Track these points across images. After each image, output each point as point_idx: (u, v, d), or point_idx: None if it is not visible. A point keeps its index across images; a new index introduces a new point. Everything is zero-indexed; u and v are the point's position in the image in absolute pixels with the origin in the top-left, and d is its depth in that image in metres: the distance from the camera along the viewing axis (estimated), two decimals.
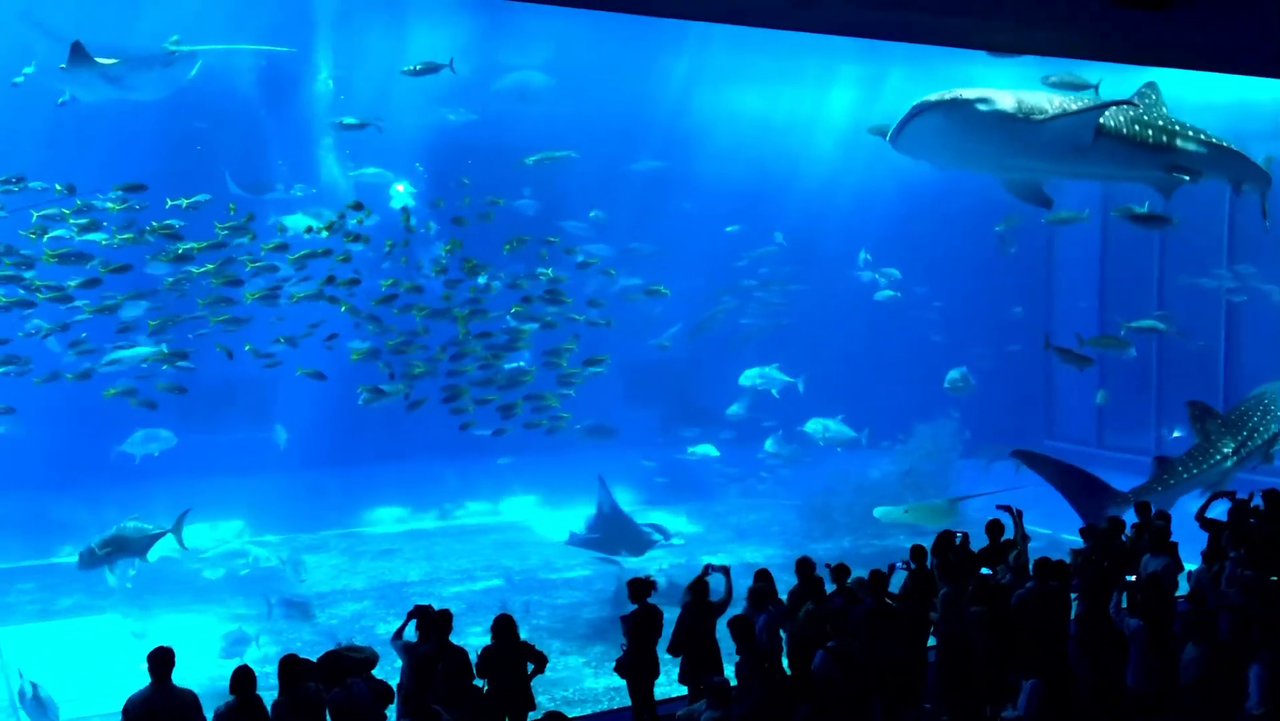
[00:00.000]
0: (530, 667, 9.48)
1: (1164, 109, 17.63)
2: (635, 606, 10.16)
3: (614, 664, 10.39)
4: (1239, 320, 24.68)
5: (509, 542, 21.78)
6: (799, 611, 10.25)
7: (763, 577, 10.52)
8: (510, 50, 23.88)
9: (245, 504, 21.62)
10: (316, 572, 19.63)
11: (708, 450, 23.67)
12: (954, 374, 22.99)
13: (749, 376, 24.43)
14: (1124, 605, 10.10)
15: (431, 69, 19.41)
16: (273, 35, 21.58)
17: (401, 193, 21.59)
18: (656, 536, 19.42)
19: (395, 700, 8.92)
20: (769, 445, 23.63)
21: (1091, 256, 27.51)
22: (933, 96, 15.81)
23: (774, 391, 24.43)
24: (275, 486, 21.68)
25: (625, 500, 24.23)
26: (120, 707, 8.19)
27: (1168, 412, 25.85)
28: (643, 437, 25.36)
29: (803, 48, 19.64)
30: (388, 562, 20.48)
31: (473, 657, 9.42)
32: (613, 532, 19.49)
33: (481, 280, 18.61)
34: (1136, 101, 16.99)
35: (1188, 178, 17.38)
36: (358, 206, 17.89)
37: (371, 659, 9.08)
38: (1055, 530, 18.89)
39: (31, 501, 19.51)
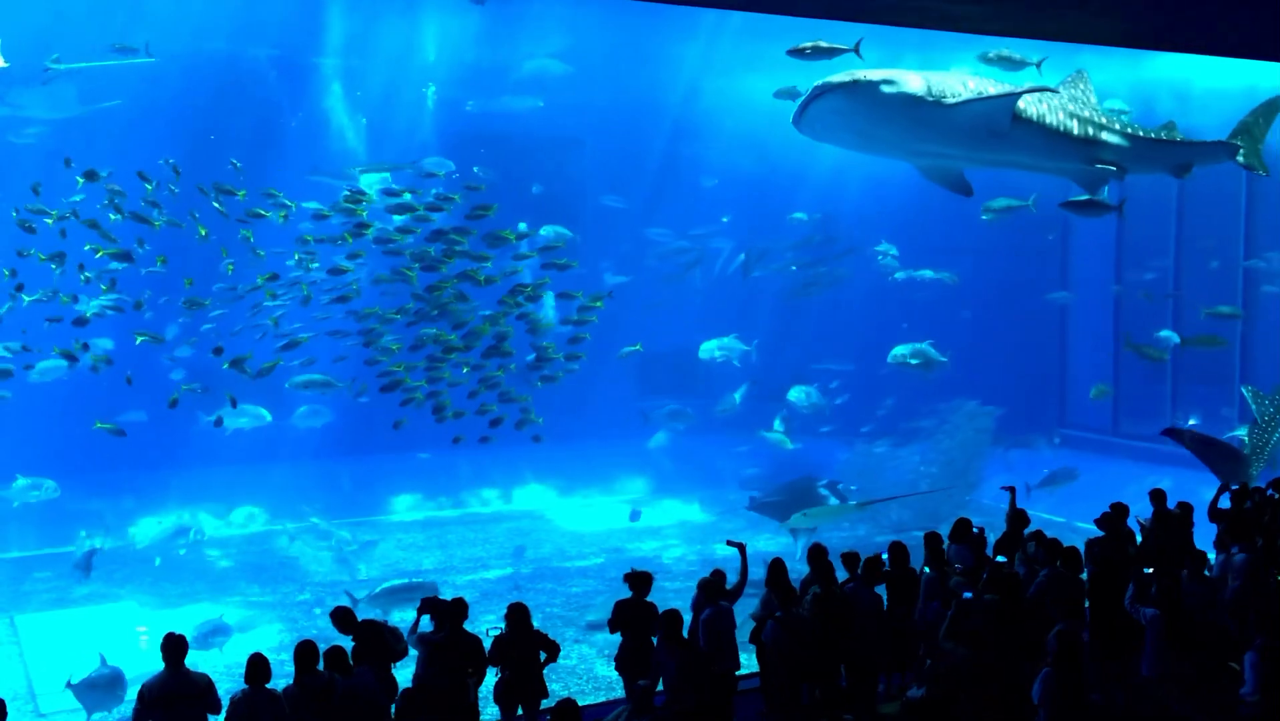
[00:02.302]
0: (543, 656, 9.50)
1: (1093, 99, 16.96)
2: (629, 597, 10.14)
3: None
4: (1254, 306, 24.49)
5: (523, 531, 21.81)
6: (806, 596, 10.35)
7: (777, 568, 10.51)
8: (526, 39, 23.85)
9: (260, 492, 21.70)
10: (330, 562, 19.71)
11: (782, 440, 23.24)
12: (902, 350, 22.10)
13: (707, 349, 24.31)
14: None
15: (128, 50, 18.82)
16: (284, 24, 21.62)
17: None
18: (833, 500, 19.34)
19: (398, 693, 9.01)
20: (777, 424, 23.57)
21: (1108, 241, 27.32)
22: (834, 77, 15.06)
23: (735, 361, 24.32)
24: (289, 475, 21.76)
25: (637, 488, 24.39)
26: (135, 693, 8.27)
27: (1183, 400, 25.75)
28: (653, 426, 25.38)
29: (814, 36, 19.53)
30: (402, 551, 20.52)
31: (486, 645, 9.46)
32: (793, 496, 19.62)
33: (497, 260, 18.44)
34: (1057, 89, 16.29)
35: (1114, 169, 16.67)
36: (355, 199, 17.74)
37: (403, 651, 9.17)
38: (1070, 517, 18.86)
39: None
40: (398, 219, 18.38)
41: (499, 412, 18.39)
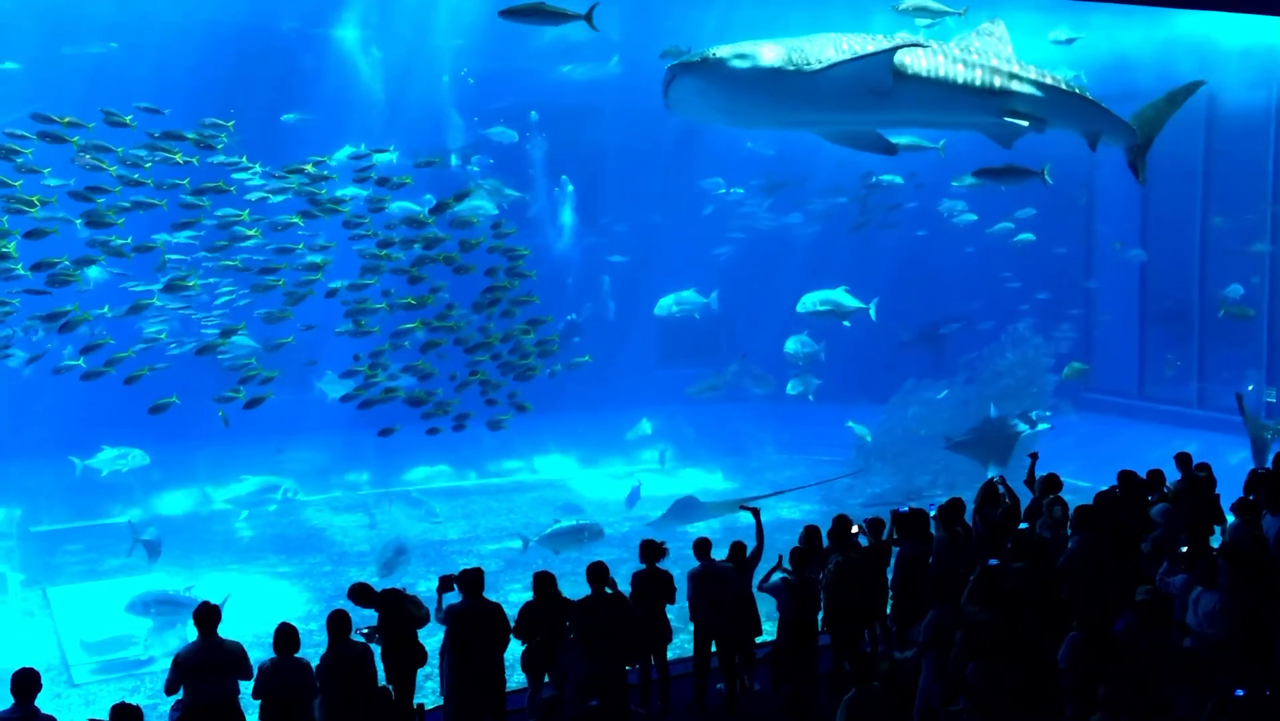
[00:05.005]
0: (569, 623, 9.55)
1: (1009, 48, 15.77)
2: (643, 568, 10.16)
3: None
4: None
5: (546, 501, 21.87)
6: (828, 565, 10.48)
7: (807, 535, 10.59)
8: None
9: (286, 464, 21.80)
10: (356, 532, 19.87)
11: (864, 434, 23.00)
12: (810, 298, 21.22)
13: (663, 305, 23.97)
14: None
15: None
16: None
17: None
18: (1024, 428, 19.59)
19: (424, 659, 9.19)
20: (790, 388, 23.43)
21: (1133, 205, 26.99)
22: (686, 57, 14.04)
23: (696, 315, 23.96)
24: (312, 447, 21.84)
25: (660, 452, 24.37)
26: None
27: (1210, 364, 25.52)
28: (675, 394, 25.31)
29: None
30: (427, 522, 20.62)
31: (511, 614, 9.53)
32: (986, 433, 19.63)
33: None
34: (929, 42, 15.16)
35: (1025, 123, 15.49)
36: (316, 177, 17.23)
37: (425, 618, 9.23)
38: (1095, 483, 18.73)
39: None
40: (350, 190, 18.01)
41: (465, 409, 17.98)
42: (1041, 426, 19.35)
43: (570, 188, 25.75)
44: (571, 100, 25.50)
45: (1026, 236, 24.57)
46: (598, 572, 9.68)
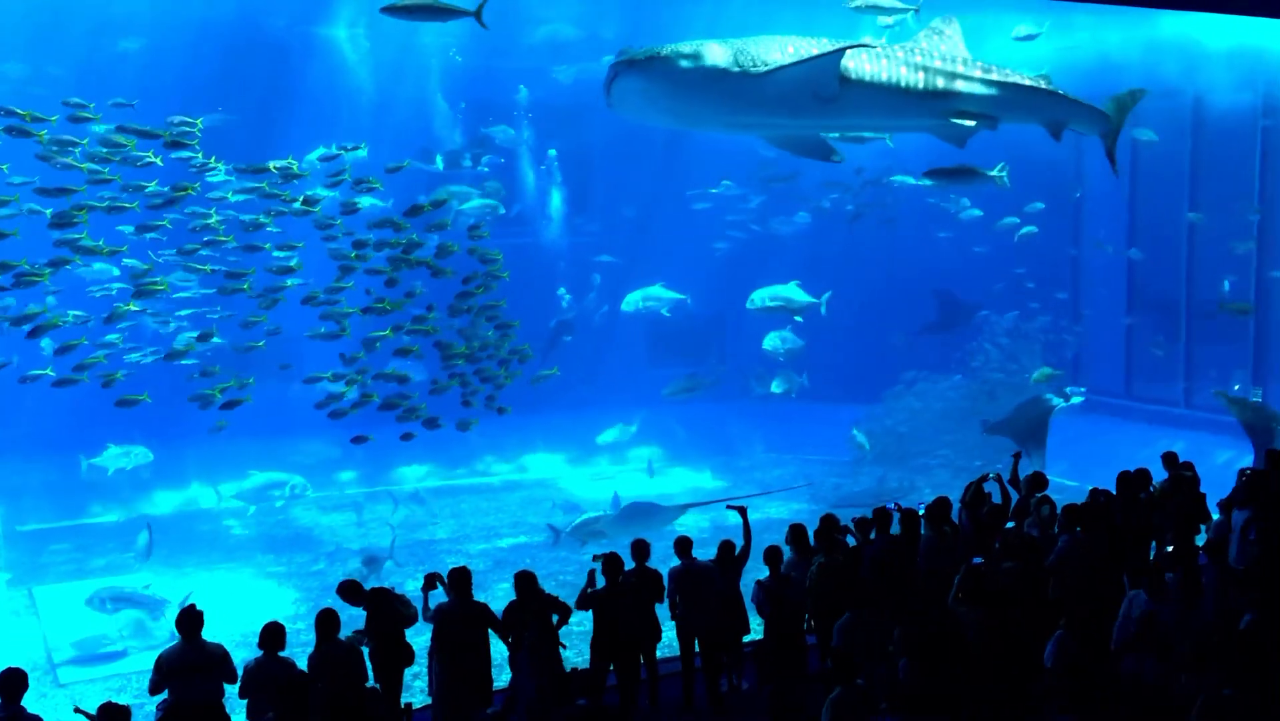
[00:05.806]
0: (555, 619, 9.55)
1: (961, 46, 15.35)
2: (632, 566, 10.14)
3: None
4: (1271, 268, 24.26)
5: (535, 500, 21.88)
6: (812, 565, 10.45)
7: (792, 533, 10.61)
8: (537, 4, 23.66)
9: (275, 464, 21.76)
10: (344, 531, 19.85)
11: (863, 442, 22.78)
12: (760, 294, 21.09)
13: (630, 301, 23.59)
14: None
15: None
16: None
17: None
18: (1059, 402, 20.00)
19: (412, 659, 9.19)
20: (775, 386, 23.36)
21: (1120, 203, 27.06)
22: (628, 55, 13.62)
23: (664, 311, 23.64)
24: (303, 445, 21.80)
25: (648, 455, 24.38)
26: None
27: (1196, 363, 25.62)
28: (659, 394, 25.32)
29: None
30: (416, 521, 20.59)
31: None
32: (1022, 413, 19.90)
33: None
34: (875, 43, 14.75)
35: (973, 123, 15.06)
36: (287, 173, 16.93)
37: (413, 617, 9.23)
38: (1083, 482, 18.83)
39: (63, 463, 19.69)
40: (321, 191, 17.76)
41: (445, 411, 17.90)
42: (1075, 400, 19.43)
43: (559, 172, 25.69)
44: (563, 99, 25.48)
45: (1029, 229, 24.41)
46: (613, 565, 9.76)
